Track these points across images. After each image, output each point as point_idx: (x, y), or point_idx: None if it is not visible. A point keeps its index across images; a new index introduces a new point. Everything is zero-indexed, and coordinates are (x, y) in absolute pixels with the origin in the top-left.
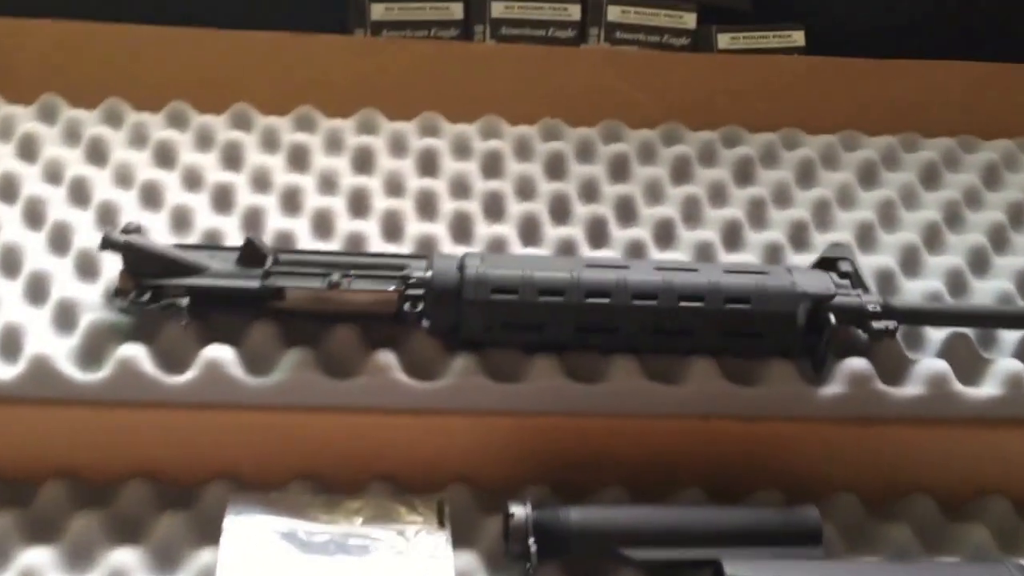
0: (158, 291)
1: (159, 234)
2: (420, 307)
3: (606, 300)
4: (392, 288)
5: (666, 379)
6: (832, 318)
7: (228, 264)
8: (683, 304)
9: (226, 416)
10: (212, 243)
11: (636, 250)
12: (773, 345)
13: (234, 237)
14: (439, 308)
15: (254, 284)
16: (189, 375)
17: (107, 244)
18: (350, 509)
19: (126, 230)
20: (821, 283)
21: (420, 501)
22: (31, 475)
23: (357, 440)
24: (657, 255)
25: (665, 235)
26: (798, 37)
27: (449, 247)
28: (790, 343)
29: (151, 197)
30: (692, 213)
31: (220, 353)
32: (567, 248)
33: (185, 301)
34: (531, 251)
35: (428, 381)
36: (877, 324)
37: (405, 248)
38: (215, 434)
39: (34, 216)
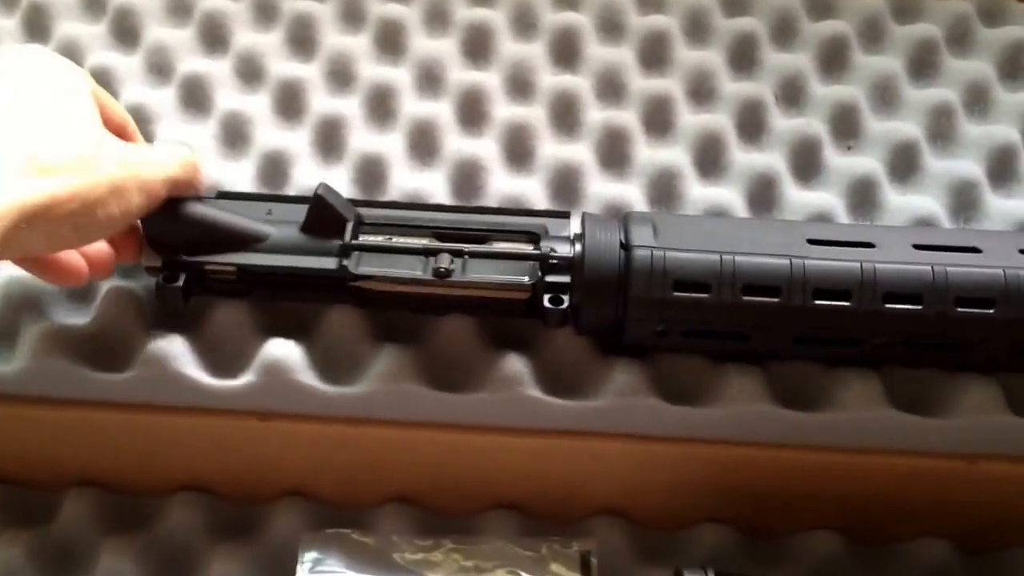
0: (194, 270)
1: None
2: (566, 303)
3: (844, 304)
4: (527, 281)
5: (922, 407)
6: None
7: (290, 228)
8: (962, 311)
9: (295, 426)
10: (264, 190)
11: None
12: None
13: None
14: (593, 303)
15: (328, 264)
16: (244, 379)
17: None
18: (459, 557)
19: None
20: None
21: (556, 546)
22: (48, 484)
23: (471, 460)
24: None
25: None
26: None
27: (597, 180)
28: None
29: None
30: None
31: (286, 351)
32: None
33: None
34: (714, 195)
35: (575, 399)
36: None
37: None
38: (280, 446)
39: None
